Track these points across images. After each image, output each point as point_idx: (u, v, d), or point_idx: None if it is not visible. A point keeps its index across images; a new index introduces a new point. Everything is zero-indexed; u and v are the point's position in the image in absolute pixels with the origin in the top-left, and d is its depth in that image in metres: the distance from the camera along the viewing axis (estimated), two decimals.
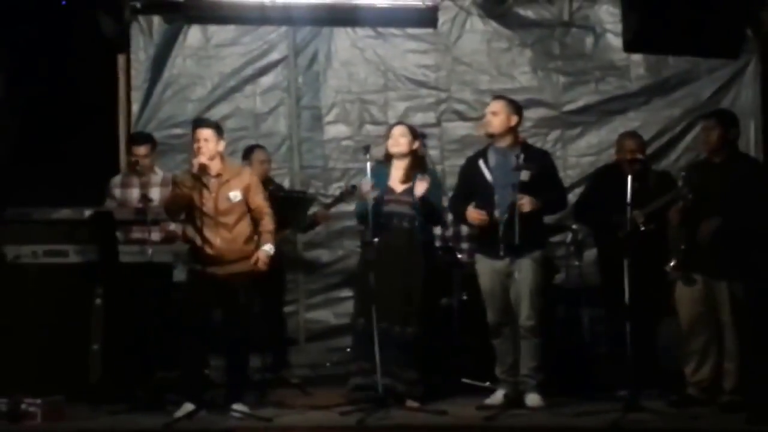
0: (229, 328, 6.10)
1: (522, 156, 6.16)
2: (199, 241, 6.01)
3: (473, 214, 6.19)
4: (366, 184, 6.26)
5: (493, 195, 6.21)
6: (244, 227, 6.11)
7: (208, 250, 6.00)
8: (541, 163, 6.27)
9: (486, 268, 6.28)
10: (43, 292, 6.47)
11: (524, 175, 6.12)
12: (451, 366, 6.74)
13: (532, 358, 6.18)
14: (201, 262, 6.02)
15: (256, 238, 6.14)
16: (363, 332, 6.30)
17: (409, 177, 6.40)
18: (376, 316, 6.04)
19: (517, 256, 6.13)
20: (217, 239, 6.01)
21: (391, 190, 6.42)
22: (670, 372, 6.50)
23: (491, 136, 6.33)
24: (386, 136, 6.58)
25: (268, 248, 6.09)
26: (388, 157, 6.50)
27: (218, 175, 6.08)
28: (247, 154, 7.43)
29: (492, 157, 6.30)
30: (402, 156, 6.46)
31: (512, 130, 6.32)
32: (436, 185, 6.46)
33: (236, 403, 6.00)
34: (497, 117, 6.28)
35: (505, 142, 6.30)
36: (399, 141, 6.44)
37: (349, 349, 6.74)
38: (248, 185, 6.15)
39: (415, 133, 6.53)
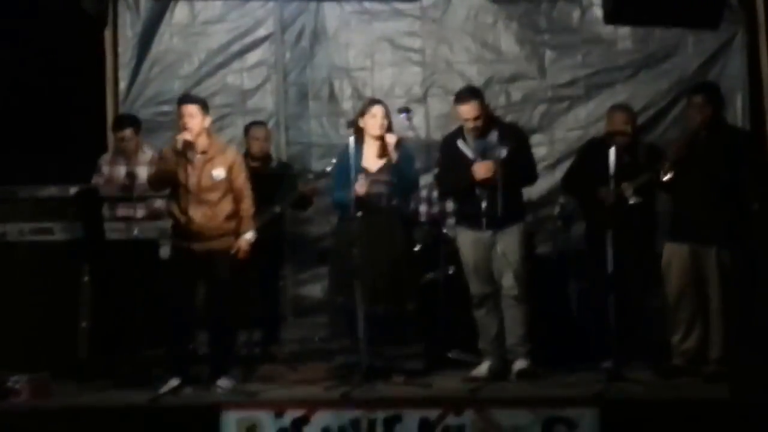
0: (212, 303, 6.13)
1: (496, 134, 6.22)
2: (181, 217, 6.04)
3: (482, 168, 6.14)
4: (361, 186, 6.23)
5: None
6: (227, 205, 6.12)
7: (190, 226, 6.03)
8: (515, 138, 6.32)
9: (468, 240, 6.33)
10: (30, 270, 6.50)
11: (502, 153, 6.17)
12: (438, 340, 6.75)
13: (519, 325, 6.24)
14: (183, 238, 6.05)
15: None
16: (341, 309, 6.34)
17: (383, 152, 6.38)
18: (351, 291, 6.07)
19: (499, 228, 6.19)
20: (199, 215, 6.02)
21: (367, 171, 6.36)
22: (656, 342, 6.51)
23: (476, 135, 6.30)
24: (362, 113, 6.45)
25: (249, 236, 6.13)
26: (360, 135, 6.40)
27: (203, 152, 6.09)
28: (246, 131, 7.44)
29: (469, 137, 6.31)
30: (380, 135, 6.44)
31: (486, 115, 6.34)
32: (409, 158, 6.46)
33: (221, 378, 6.03)
34: (480, 119, 6.24)
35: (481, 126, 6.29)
36: (383, 123, 6.37)
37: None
38: (232, 164, 6.15)
39: (387, 111, 6.46)
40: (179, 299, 6.05)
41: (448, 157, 6.43)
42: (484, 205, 6.17)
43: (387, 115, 6.41)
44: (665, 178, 6.13)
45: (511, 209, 6.18)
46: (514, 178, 6.22)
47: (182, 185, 6.04)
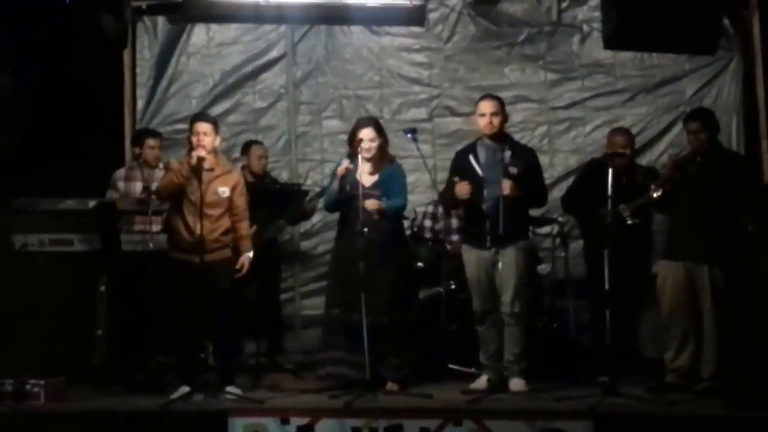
0: (215, 313, 6.26)
1: (509, 153, 6.36)
2: (183, 230, 6.21)
3: (461, 187, 6.31)
4: (342, 167, 6.41)
5: (483, 188, 6.36)
6: (225, 221, 6.32)
7: (188, 238, 6.20)
8: (527, 160, 6.46)
9: (472, 257, 6.45)
10: (49, 279, 6.70)
11: (511, 171, 6.30)
12: (439, 352, 6.90)
13: (516, 344, 6.35)
14: (183, 250, 6.23)
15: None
16: (337, 322, 6.49)
17: (377, 168, 6.54)
18: (355, 306, 6.21)
19: (502, 246, 6.32)
20: (198, 228, 6.17)
21: (358, 186, 6.43)
22: (650, 360, 6.71)
23: (491, 136, 6.46)
24: (351, 136, 6.59)
25: (249, 254, 6.35)
26: (355, 152, 6.51)
27: (211, 169, 6.29)
28: (246, 149, 7.70)
29: (481, 152, 6.47)
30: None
31: (503, 127, 6.53)
32: (398, 175, 6.60)
33: (229, 385, 6.19)
34: (498, 117, 6.44)
35: (495, 139, 6.46)
36: (371, 147, 6.49)
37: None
38: (236, 185, 6.37)
39: (380, 129, 6.58)
40: (184, 309, 6.20)
41: (457, 172, 6.54)
42: (488, 223, 6.29)
43: (375, 137, 6.50)
44: (655, 195, 6.29)
45: (515, 228, 6.30)
46: (523, 198, 6.33)
47: (187, 199, 6.23)
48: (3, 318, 6.61)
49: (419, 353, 6.67)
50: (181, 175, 6.24)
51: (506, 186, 6.24)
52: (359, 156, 6.45)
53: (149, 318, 6.73)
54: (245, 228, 6.40)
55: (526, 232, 6.60)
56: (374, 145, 6.50)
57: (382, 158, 6.58)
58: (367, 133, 6.51)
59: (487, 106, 6.46)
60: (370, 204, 6.38)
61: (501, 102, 6.53)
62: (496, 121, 6.41)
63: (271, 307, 7.49)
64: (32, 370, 6.13)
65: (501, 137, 6.48)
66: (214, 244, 6.24)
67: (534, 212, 6.91)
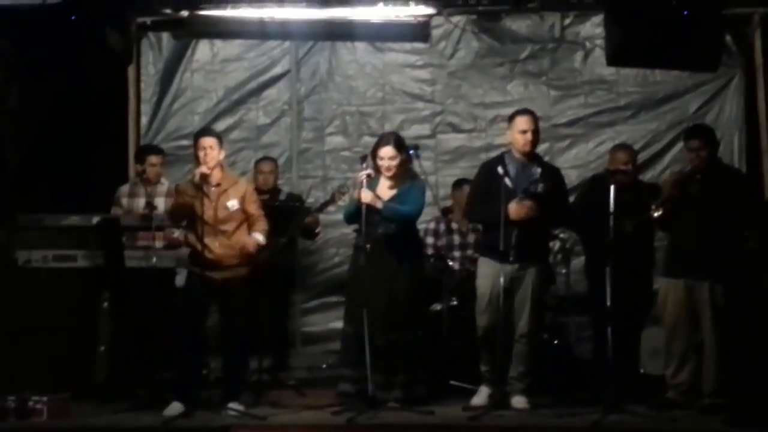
0: (226, 329, 6.31)
1: (539, 170, 6.37)
2: (199, 247, 6.23)
3: (519, 209, 6.22)
4: (362, 175, 6.37)
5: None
6: (242, 234, 6.33)
7: (208, 255, 6.22)
8: (555, 178, 6.48)
9: (490, 270, 6.35)
10: (53, 295, 6.72)
11: (541, 188, 6.31)
12: (441, 369, 6.90)
13: (522, 362, 6.36)
14: (200, 266, 6.24)
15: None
16: (350, 338, 6.50)
17: (396, 184, 6.53)
18: (366, 322, 6.21)
19: (526, 263, 6.31)
20: (216, 245, 6.23)
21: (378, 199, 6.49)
22: (651, 377, 6.73)
23: (527, 154, 6.42)
24: (373, 152, 6.58)
25: (258, 236, 6.31)
26: (376, 166, 6.56)
27: (218, 185, 6.31)
28: (257, 164, 7.74)
29: (511, 166, 6.42)
30: None
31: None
32: (416, 188, 6.57)
33: (233, 402, 6.20)
34: (537, 134, 6.45)
35: (525, 155, 6.44)
36: (390, 165, 6.49)
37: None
38: (244, 194, 6.38)
39: (400, 146, 6.56)
40: (192, 326, 6.24)
41: (485, 184, 6.47)
42: (514, 239, 6.23)
43: (395, 155, 6.48)
44: (656, 215, 6.32)
45: (539, 247, 6.36)
46: (548, 216, 6.33)
47: (199, 217, 6.23)
48: (6, 334, 6.62)
49: (426, 371, 6.66)
50: (187, 196, 6.26)
51: (514, 209, 6.23)
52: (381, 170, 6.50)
53: (151, 334, 6.75)
54: (261, 224, 6.36)
55: (547, 252, 6.65)
56: (394, 163, 6.50)
57: (403, 174, 6.56)
58: (387, 152, 6.51)
59: (527, 122, 6.44)
60: (365, 196, 6.33)
61: (537, 118, 6.54)
62: (535, 137, 6.43)
63: (274, 324, 7.49)
64: (35, 387, 6.16)
65: (531, 154, 6.48)
66: (231, 260, 6.26)
67: None
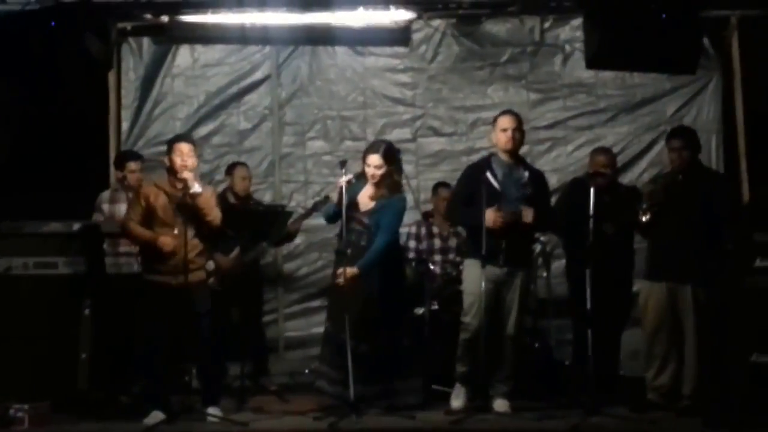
0: (196, 335, 6.26)
1: (527, 174, 6.41)
2: (157, 251, 6.21)
3: (495, 217, 6.24)
4: (343, 180, 6.37)
5: (499, 205, 6.31)
6: (198, 241, 6.33)
7: (168, 261, 6.20)
8: (541, 182, 6.53)
9: (478, 273, 6.30)
10: (34, 303, 6.67)
11: (529, 191, 6.36)
12: (422, 373, 6.82)
13: (508, 365, 6.39)
14: (159, 273, 6.23)
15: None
16: (331, 338, 6.51)
17: (376, 195, 6.51)
18: (342, 326, 6.24)
19: (515, 267, 6.35)
20: (177, 250, 6.19)
21: (356, 206, 6.51)
22: (632, 379, 6.75)
23: (510, 152, 6.45)
24: (363, 158, 6.58)
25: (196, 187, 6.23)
26: (364, 174, 6.57)
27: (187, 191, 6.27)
28: (230, 170, 7.74)
29: (497, 168, 6.44)
30: None
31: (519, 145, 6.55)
32: (393, 210, 6.50)
33: (211, 407, 6.21)
34: (519, 133, 6.47)
35: (511, 157, 6.47)
36: (375, 174, 6.48)
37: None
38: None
39: (390, 157, 6.52)
40: (159, 333, 6.19)
41: (470, 186, 6.47)
42: (503, 242, 6.26)
43: (381, 164, 6.46)
44: (644, 219, 6.34)
45: (526, 250, 6.42)
46: (536, 221, 6.34)
47: (162, 221, 6.24)
48: None
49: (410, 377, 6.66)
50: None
51: (528, 214, 6.27)
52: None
53: (133, 342, 6.70)
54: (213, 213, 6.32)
55: (532, 255, 6.70)
56: (379, 172, 6.48)
57: (387, 186, 6.52)
58: (373, 160, 6.50)
59: (509, 121, 6.47)
60: (341, 278, 6.34)
61: (520, 118, 6.56)
62: (518, 135, 6.45)
63: (255, 329, 7.50)
64: (16, 395, 6.16)
65: (517, 156, 6.51)
66: (190, 265, 6.23)
67: None
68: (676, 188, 6.33)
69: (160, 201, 6.30)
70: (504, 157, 6.46)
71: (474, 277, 6.38)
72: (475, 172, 6.50)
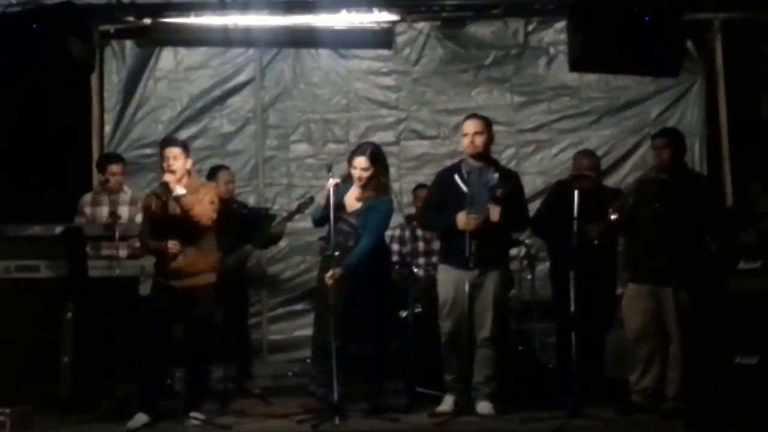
0: (190, 338, 6.26)
1: (497, 176, 6.38)
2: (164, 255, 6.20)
3: (466, 219, 6.25)
4: (330, 183, 6.33)
5: (468, 208, 6.30)
6: (208, 241, 6.31)
7: (172, 264, 6.19)
8: (513, 183, 6.49)
9: (451, 277, 6.38)
10: (16, 306, 6.63)
11: (499, 193, 6.31)
12: (406, 375, 6.89)
13: (487, 367, 6.37)
14: (164, 275, 6.23)
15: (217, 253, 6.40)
16: (318, 342, 6.49)
17: (363, 197, 6.49)
18: (327, 329, 6.20)
19: (485, 269, 6.33)
20: (180, 253, 6.19)
21: (343, 207, 6.49)
22: (616, 381, 6.70)
23: (475, 156, 6.46)
24: (349, 160, 6.56)
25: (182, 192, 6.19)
26: (351, 176, 6.54)
27: (184, 193, 6.21)
28: (213, 174, 7.70)
29: (467, 173, 6.44)
30: None
31: (489, 148, 6.55)
32: (380, 212, 6.47)
33: (194, 411, 6.17)
34: (481, 136, 6.45)
35: (480, 161, 6.47)
36: (361, 175, 6.45)
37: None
38: (205, 199, 6.29)
39: (376, 159, 6.49)
40: (157, 336, 6.20)
41: (441, 191, 6.53)
42: (472, 244, 6.25)
43: (368, 166, 6.42)
44: (613, 218, 6.34)
45: (498, 251, 6.37)
46: (506, 221, 6.33)
47: (163, 224, 6.22)
48: None
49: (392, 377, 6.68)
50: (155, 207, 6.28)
51: (495, 212, 6.26)
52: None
53: (116, 345, 6.69)
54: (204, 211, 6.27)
55: (507, 256, 6.66)
56: (365, 174, 6.45)
57: (374, 188, 6.49)
58: (360, 162, 6.47)
59: (469, 126, 6.49)
60: (329, 279, 6.31)
61: (486, 122, 6.56)
62: (479, 140, 6.43)
63: (239, 333, 7.47)
64: None
65: (487, 159, 6.50)
66: (196, 268, 6.21)
67: None
68: (660, 190, 6.33)
69: (159, 208, 6.28)
70: (472, 160, 6.48)
71: (445, 282, 6.44)
72: (445, 177, 6.56)
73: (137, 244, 6.83)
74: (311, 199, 7.12)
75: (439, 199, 6.53)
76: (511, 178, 6.50)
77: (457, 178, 6.43)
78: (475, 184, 6.37)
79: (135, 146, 8.46)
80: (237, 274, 7.29)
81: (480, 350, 6.38)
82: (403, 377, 6.70)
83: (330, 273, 6.31)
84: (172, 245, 6.17)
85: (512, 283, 7.31)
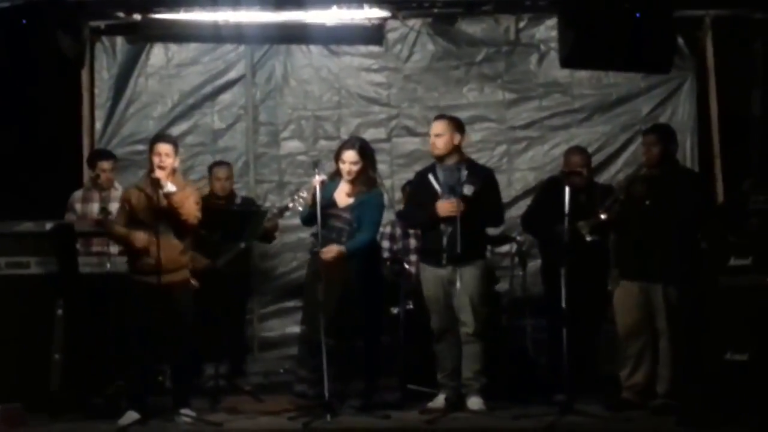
0: (174, 335, 6.23)
1: (466, 173, 6.43)
2: (142, 251, 6.20)
3: (445, 205, 6.35)
4: (315, 180, 6.36)
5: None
6: (179, 241, 6.31)
7: (149, 260, 6.18)
8: (483, 179, 6.52)
9: (430, 275, 6.53)
10: (6, 303, 6.62)
11: (467, 190, 6.38)
12: (398, 372, 6.89)
13: (474, 361, 6.40)
14: (143, 272, 6.21)
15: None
16: (306, 341, 6.50)
17: (354, 191, 6.52)
18: (318, 326, 6.20)
19: (459, 265, 6.37)
20: (158, 248, 6.15)
21: (334, 204, 6.52)
22: (607, 377, 6.74)
23: (437, 158, 6.55)
24: (336, 155, 6.61)
25: (169, 186, 6.20)
26: (339, 172, 6.58)
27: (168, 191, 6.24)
28: (211, 170, 7.70)
29: (440, 173, 6.55)
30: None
31: (457, 148, 6.56)
32: (374, 205, 6.54)
33: (183, 408, 6.18)
34: (441, 138, 6.52)
35: (451, 160, 6.53)
36: (351, 169, 6.49)
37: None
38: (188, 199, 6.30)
39: (364, 152, 6.55)
40: (140, 333, 6.17)
41: (417, 190, 6.66)
42: (444, 241, 6.37)
43: (357, 160, 6.48)
44: (603, 217, 6.35)
45: (471, 247, 6.37)
46: (478, 216, 6.40)
47: (142, 221, 6.22)
48: None
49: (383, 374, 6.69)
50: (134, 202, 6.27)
51: (442, 206, 6.34)
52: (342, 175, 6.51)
53: (106, 342, 6.68)
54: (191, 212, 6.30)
55: (483, 252, 6.69)
56: (355, 168, 6.50)
57: (363, 182, 6.54)
58: (349, 156, 6.51)
59: (432, 128, 6.60)
60: (328, 252, 6.35)
61: (451, 122, 6.59)
62: (439, 142, 6.51)
63: (231, 330, 7.46)
64: None
65: (457, 158, 6.54)
66: (172, 264, 6.21)
67: (492, 231, 6.96)
68: (650, 186, 6.34)
69: (141, 202, 6.28)
70: (445, 161, 6.54)
71: (425, 280, 6.56)
72: (421, 177, 6.67)
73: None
74: (300, 194, 7.08)
75: (416, 198, 6.66)
76: (480, 176, 6.53)
77: (431, 177, 6.55)
78: (447, 182, 6.47)
79: (126, 143, 8.43)
80: (228, 272, 7.26)
81: (466, 346, 6.42)
82: (394, 374, 6.71)
83: (327, 248, 6.31)
84: (137, 238, 6.17)
85: (495, 278, 7.41)
